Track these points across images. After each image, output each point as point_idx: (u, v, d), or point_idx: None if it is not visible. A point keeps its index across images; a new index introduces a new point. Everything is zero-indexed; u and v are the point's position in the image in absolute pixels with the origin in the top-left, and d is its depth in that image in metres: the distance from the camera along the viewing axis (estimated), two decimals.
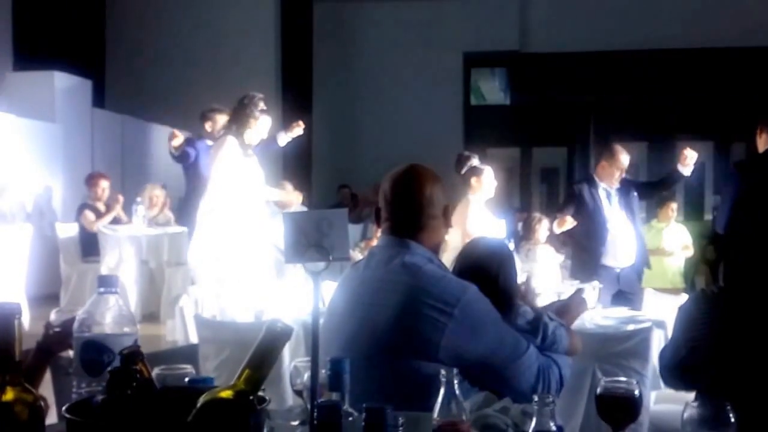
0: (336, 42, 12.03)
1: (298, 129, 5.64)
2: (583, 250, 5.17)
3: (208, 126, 6.47)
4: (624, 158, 5.05)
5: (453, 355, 1.79)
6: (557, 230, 5.20)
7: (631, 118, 11.87)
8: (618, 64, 11.92)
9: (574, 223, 5.08)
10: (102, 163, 9.74)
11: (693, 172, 5.41)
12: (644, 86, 12.40)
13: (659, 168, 12.32)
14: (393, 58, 11.81)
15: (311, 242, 1.27)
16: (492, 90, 13.80)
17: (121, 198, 7.61)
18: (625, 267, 5.02)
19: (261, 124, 4.82)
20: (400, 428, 1.19)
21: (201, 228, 4.77)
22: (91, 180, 7.71)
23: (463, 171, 5.24)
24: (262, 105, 4.83)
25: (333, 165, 11.28)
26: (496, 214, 5.70)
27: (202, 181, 5.24)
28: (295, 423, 1.46)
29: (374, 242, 5.37)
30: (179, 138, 6.38)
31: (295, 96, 11.46)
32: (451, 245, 5.07)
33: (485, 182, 5.15)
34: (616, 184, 5.08)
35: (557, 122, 12.31)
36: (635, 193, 5.16)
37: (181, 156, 6.37)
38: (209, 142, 5.92)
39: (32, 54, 9.82)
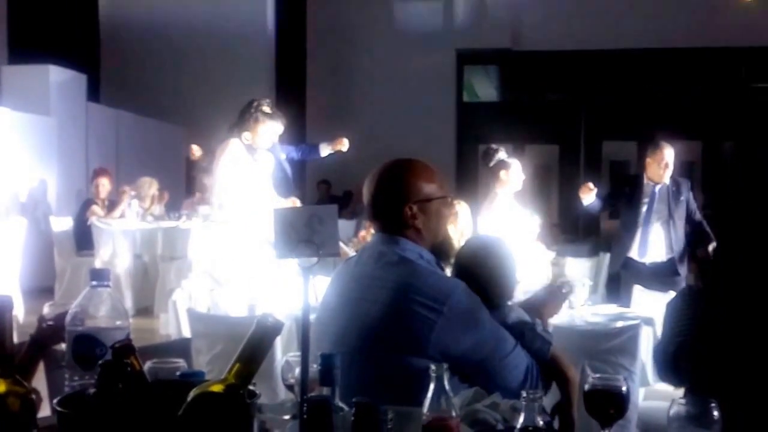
0: (330, 39, 12.01)
1: (342, 146, 5.56)
2: (616, 241, 5.26)
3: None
4: (667, 154, 5.07)
5: (442, 352, 1.79)
6: (584, 200, 5.21)
7: (621, 117, 11.90)
8: (609, 63, 11.94)
9: (593, 191, 5.13)
10: (96, 157, 9.71)
11: (684, 171, 5.44)
12: (635, 85, 12.43)
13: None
14: (386, 56, 11.80)
15: (301, 238, 1.26)
16: (485, 88, 13.80)
17: (128, 189, 7.57)
18: (657, 262, 5.07)
19: (267, 129, 4.70)
20: (390, 423, 1.19)
21: (207, 225, 4.74)
22: (94, 176, 7.70)
23: (491, 164, 5.20)
24: (267, 109, 4.73)
25: (326, 161, 11.25)
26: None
27: None
28: (286, 417, 1.46)
29: (367, 238, 5.36)
30: (197, 151, 6.34)
31: (289, 92, 11.45)
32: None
33: (513, 176, 5.13)
34: (663, 181, 5.10)
35: (549, 120, 12.32)
36: (685, 192, 5.18)
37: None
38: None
39: (27, 48, 9.77)
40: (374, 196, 1.99)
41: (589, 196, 5.15)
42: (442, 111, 11.99)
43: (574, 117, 12.36)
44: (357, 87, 11.88)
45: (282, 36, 11.67)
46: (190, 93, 11.40)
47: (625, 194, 5.27)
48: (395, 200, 1.95)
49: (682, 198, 5.15)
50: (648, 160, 5.17)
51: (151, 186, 7.82)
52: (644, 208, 5.09)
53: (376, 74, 11.84)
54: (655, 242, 5.09)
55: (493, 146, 5.34)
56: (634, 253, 5.13)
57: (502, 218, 4.99)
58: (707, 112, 11.73)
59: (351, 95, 11.86)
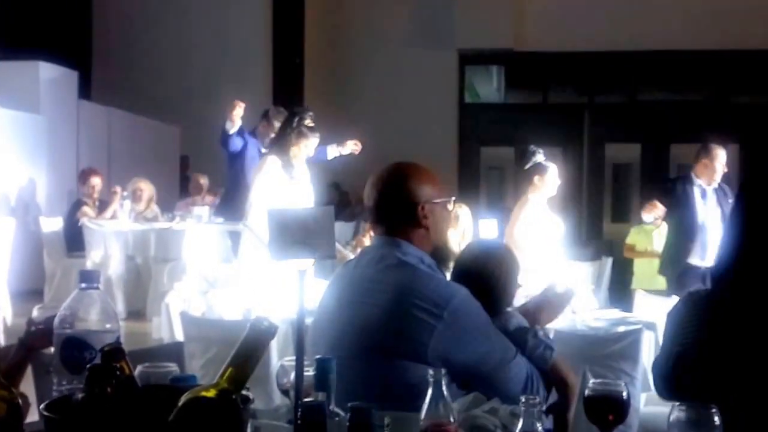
0: (328, 38, 12.01)
1: (353, 147, 5.42)
2: (671, 246, 5.20)
3: (262, 125, 6.27)
4: (723, 155, 5.06)
5: (441, 358, 1.79)
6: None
7: (625, 120, 11.90)
8: (613, 65, 11.95)
9: (663, 210, 5.12)
10: (88, 156, 9.69)
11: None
12: (639, 87, 12.43)
13: (652, 170, 12.37)
14: (387, 55, 11.80)
15: (297, 240, 1.26)
16: (486, 89, 13.81)
17: (119, 189, 7.56)
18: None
19: (309, 144, 4.53)
20: (386, 428, 1.19)
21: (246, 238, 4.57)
22: (83, 176, 7.67)
23: (526, 166, 5.07)
24: (310, 122, 4.57)
25: (324, 162, 11.26)
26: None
27: (243, 179, 5.03)
28: (281, 422, 1.46)
29: (366, 240, 5.35)
30: (240, 108, 5.97)
31: (286, 92, 11.43)
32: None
33: (549, 181, 5.00)
34: (714, 184, 5.10)
35: (551, 122, 12.33)
36: (730, 194, 5.17)
37: (227, 140, 6.13)
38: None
39: (16, 44, 9.75)
40: (381, 197, 1.99)
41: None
42: (444, 112, 11.99)
43: (577, 119, 12.37)
44: (356, 88, 11.88)
45: (280, 35, 11.67)
46: (186, 91, 11.39)
47: (676, 197, 5.19)
48: (406, 202, 1.96)
49: (730, 200, 5.15)
50: (704, 161, 5.17)
51: (146, 187, 7.81)
52: (701, 211, 5.05)
53: (376, 75, 11.84)
54: (714, 245, 5.07)
55: (532, 148, 5.20)
56: (695, 258, 5.02)
57: (533, 226, 4.93)
58: (713, 116, 11.74)
59: (350, 96, 11.85)
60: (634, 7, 11.28)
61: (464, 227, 5.24)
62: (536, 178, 4.97)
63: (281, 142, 4.51)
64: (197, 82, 11.45)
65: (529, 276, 4.80)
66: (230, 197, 5.87)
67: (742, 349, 1.62)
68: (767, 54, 11.09)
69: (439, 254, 2.03)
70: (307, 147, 4.51)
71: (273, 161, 4.43)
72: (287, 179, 4.47)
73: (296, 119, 4.53)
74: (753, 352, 1.61)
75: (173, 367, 1.58)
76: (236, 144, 6.14)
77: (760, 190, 1.74)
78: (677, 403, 1.31)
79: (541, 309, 2.15)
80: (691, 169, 5.31)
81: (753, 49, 10.97)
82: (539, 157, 5.06)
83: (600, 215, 11.98)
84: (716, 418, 1.28)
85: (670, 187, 5.24)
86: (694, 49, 11.09)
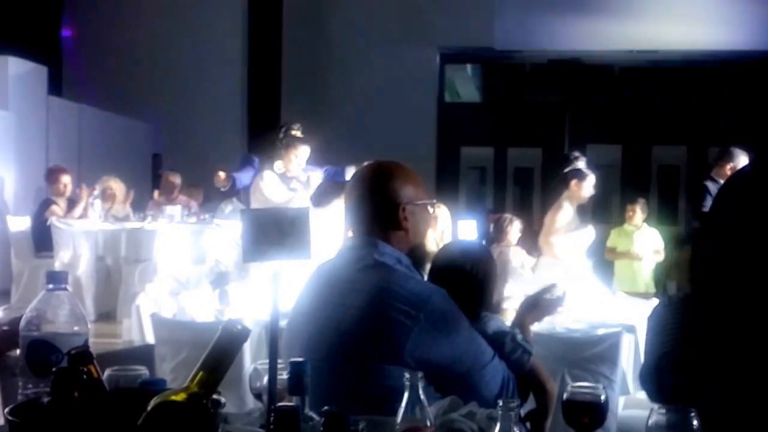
0: (307, 34, 11.98)
1: None
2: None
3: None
4: (745, 160, 5.12)
5: (418, 359, 1.79)
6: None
7: (606, 121, 12.00)
8: (594, 66, 12.04)
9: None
10: (57, 153, 9.59)
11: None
12: (620, 88, 12.53)
13: (633, 171, 12.49)
14: (366, 53, 11.80)
15: (271, 241, 1.26)
16: (467, 88, 13.86)
17: (86, 188, 7.49)
18: None
19: (300, 153, 4.59)
20: None
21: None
22: (52, 175, 7.59)
23: (566, 170, 5.11)
24: (298, 133, 4.65)
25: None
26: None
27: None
28: (254, 427, 1.45)
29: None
30: (222, 176, 6.10)
31: (263, 90, 11.38)
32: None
33: (585, 188, 5.04)
34: None
35: (532, 122, 12.40)
36: None
37: (231, 188, 6.07)
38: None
39: None
40: (358, 198, 1.99)
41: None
42: (423, 111, 12.01)
43: (558, 119, 12.45)
44: (335, 86, 11.86)
45: (257, 33, 11.61)
46: (159, 88, 11.31)
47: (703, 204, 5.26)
48: (386, 203, 1.96)
49: None
50: (732, 165, 5.27)
51: (116, 186, 7.75)
52: None
53: (356, 73, 11.83)
54: None
55: (575, 153, 5.26)
56: None
57: (567, 231, 4.96)
58: (693, 117, 11.88)
59: (329, 95, 11.84)
60: (616, 8, 11.37)
61: (443, 228, 5.25)
62: (573, 183, 5.03)
63: (272, 156, 4.55)
64: (171, 79, 11.38)
65: (563, 281, 4.87)
66: None
67: (721, 350, 1.64)
68: (747, 57, 11.25)
69: (416, 255, 2.03)
70: (297, 157, 4.56)
71: (267, 176, 4.46)
72: (285, 191, 4.50)
73: (283, 130, 4.60)
74: (731, 353, 1.63)
75: (143, 370, 1.57)
76: (243, 180, 6.04)
77: (740, 191, 1.75)
78: (656, 406, 1.32)
79: (531, 308, 2.16)
80: (709, 171, 5.40)
81: (733, 50, 11.11)
82: (580, 163, 5.13)
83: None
84: (695, 421, 1.29)
85: (703, 189, 5.32)
86: (676, 50, 11.21)
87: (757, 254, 1.67)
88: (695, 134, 11.98)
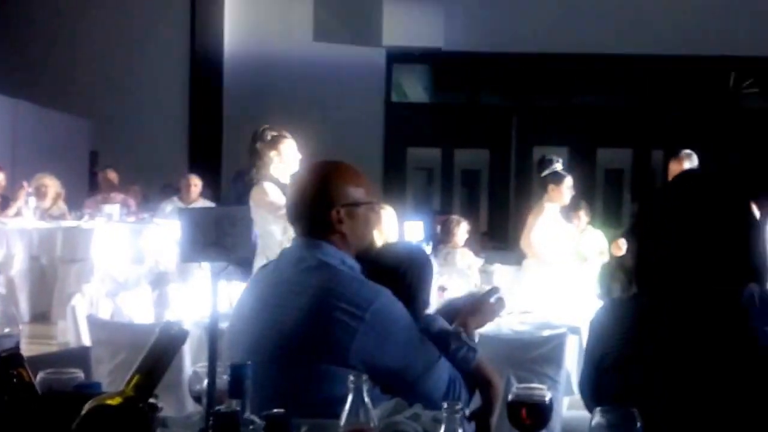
0: (250, 32, 11.87)
1: None
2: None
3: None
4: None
5: (363, 361, 1.79)
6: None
7: (553, 123, 12.18)
8: (542, 68, 12.20)
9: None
10: None
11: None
12: (567, 91, 12.74)
13: (579, 173, 12.71)
14: (311, 51, 11.75)
15: (210, 241, 1.24)
16: (414, 88, 13.91)
17: (26, 185, 7.30)
18: None
19: (286, 149, 4.36)
20: None
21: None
22: None
23: (543, 174, 5.21)
24: (274, 132, 4.40)
25: (245, 160, 11.14)
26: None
27: None
28: (193, 431, 1.43)
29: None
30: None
31: (205, 88, 11.25)
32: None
33: (564, 191, 5.15)
34: None
35: (479, 124, 12.51)
36: None
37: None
38: None
39: None
40: (299, 198, 1.98)
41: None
42: (370, 111, 12.01)
43: (505, 121, 12.59)
44: (279, 83, 11.77)
45: (198, 30, 11.45)
46: (97, 84, 11.09)
47: None
48: (321, 203, 1.95)
49: None
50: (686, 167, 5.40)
51: (51, 183, 7.58)
52: None
53: (300, 70, 11.77)
54: None
55: (549, 156, 5.34)
56: None
57: (549, 233, 5.05)
58: (638, 120, 12.14)
59: (273, 92, 11.74)
60: (564, 10, 11.56)
61: (389, 229, 5.26)
62: (551, 187, 5.14)
63: (259, 164, 4.32)
64: (110, 74, 11.16)
65: (546, 281, 4.94)
66: None
67: (663, 352, 1.68)
68: (692, 60, 11.55)
69: (366, 257, 2.02)
70: (286, 153, 4.34)
71: (268, 187, 4.18)
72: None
73: (257, 134, 4.40)
74: (673, 355, 1.67)
75: (78, 373, 1.55)
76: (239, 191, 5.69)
77: (684, 192, 1.80)
78: (599, 407, 1.34)
79: (473, 311, 2.16)
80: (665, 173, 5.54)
81: (683, 55, 11.40)
82: (557, 165, 5.21)
83: (527, 219, 12.24)
84: (637, 422, 1.31)
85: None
86: (624, 54, 11.44)
87: (701, 253, 1.71)
88: (640, 137, 12.27)
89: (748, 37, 11.09)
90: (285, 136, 4.41)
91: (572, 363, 3.42)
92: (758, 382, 1.61)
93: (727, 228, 1.72)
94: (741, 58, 11.39)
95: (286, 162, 4.29)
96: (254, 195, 4.23)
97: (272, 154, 4.27)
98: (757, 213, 1.89)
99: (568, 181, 5.20)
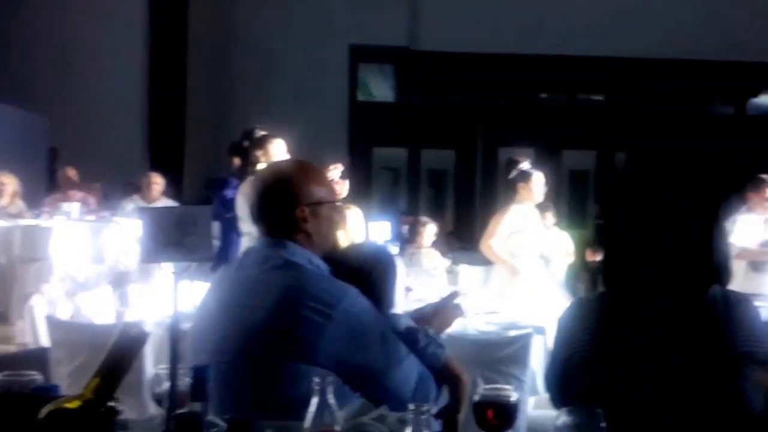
0: (213, 29, 11.77)
1: (335, 172, 4.97)
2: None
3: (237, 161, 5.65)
4: None
5: (332, 359, 1.79)
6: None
7: (518, 124, 12.27)
8: (508, 69, 12.29)
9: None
10: None
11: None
12: (533, 92, 12.85)
13: (544, 174, 12.81)
14: (274, 49, 11.69)
15: (171, 241, 1.22)
16: (380, 87, 13.92)
17: None
18: None
19: (274, 147, 4.38)
20: None
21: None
22: None
23: (510, 176, 5.17)
24: (262, 131, 4.41)
25: (207, 158, 11.05)
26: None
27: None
28: None
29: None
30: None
31: (166, 85, 11.12)
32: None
33: (534, 188, 5.10)
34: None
35: (445, 124, 12.56)
36: None
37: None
38: None
39: None
40: (261, 198, 1.98)
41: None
42: (335, 110, 11.99)
43: (472, 121, 12.65)
44: (241, 82, 11.70)
45: (159, 24, 11.31)
46: (56, 79, 10.90)
47: None
48: (285, 203, 1.95)
49: None
50: (750, 194, 5.52)
51: (8, 181, 7.45)
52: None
53: (263, 68, 11.70)
54: None
55: (514, 157, 5.32)
56: None
57: (516, 233, 5.03)
58: (603, 123, 12.29)
59: (235, 91, 11.67)
60: (531, 10, 11.65)
61: (355, 229, 5.26)
62: (520, 186, 5.10)
63: (250, 164, 4.31)
64: (69, 69, 10.98)
65: (516, 282, 4.94)
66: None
67: (628, 352, 1.69)
68: (657, 63, 11.73)
69: (332, 257, 2.02)
70: (275, 151, 4.33)
71: None
72: None
73: (247, 134, 4.41)
74: (638, 355, 1.68)
75: (36, 376, 1.52)
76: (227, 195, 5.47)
77: (648, 193, 1.82)
78: (564, 408, 1.35)
79: (436, 315, 2.19)
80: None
81: (648, 58, 11.57)
82: (524, 165, 5.20)
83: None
84: (602, 422, 1.33)
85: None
86: (589, 56, 11.57)
87: (665, 254, 1.73)
88: (604, 139, 12.42)
89: (713, 42, 11.30)
90: (274, 136, 4.44)
91: (538, 363, 3.45)
92: (722, 381, 1.64)
93: (690, 228, 1.75)
94: (706, 62, 11.58)
95: (278, 157, 4.32)
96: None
97: (259, 153, 4.30)
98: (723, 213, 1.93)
99: (537, 177, 5.17)
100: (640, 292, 1.73)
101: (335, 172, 4.24)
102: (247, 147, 4.39)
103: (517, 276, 4.98)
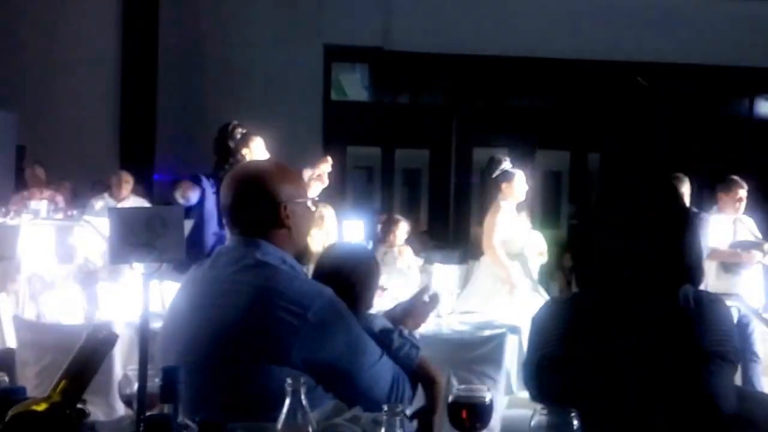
0: (185, 27, 11.68)
1: (326, 166, 4.83)
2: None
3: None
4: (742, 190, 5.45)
5: (306, 359, 1.79)
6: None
7: (493, 124, 12.33)
8: (482, 69, 12.35)
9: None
10: None
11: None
12: (507, 92, 12.92)
13: None
14: (247, 48, 11.62)
15: (141, 241, 1.21)
16: (354, 86, 13.91)
17: None
18: None
19: (256, 146, 4.33)
20: None
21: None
22: None
23: (493, 175, 5.30)
24: (240, 130, 4.37)
25: (180, 158, 10.95)
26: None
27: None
28: None
29: None
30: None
31: (137, 84, 11.01)
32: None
33: (516, 187, 5.24)
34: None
35: (420, 123, 12.59)
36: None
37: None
38: None
39: None
40: (239, 198, 1.97)
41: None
42: (308, 109, 11.95)
43: (446, 121, 12.69)
44: (214, 81, 11.60)
45: (130, 23, 11.18)
46: (23, 76, 10.75)
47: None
48: (266, 202, 1.94)
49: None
50: (721, 194, 5.54)
51: None
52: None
53: (235, 66, 11.63)
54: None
55: (497, 156, 5.43)
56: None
57: (506, 230, 5.10)
58: (575, 123, 12.39)
59: (207, 89, 11.57)
60: (505, 12, 11.71)
61: (329, 228, 5.25)
62: (504, 185, 5.22)
63: (232, 161, 4.22)
64: (37, 66, 10.83)
65: (511, 280, 4.96)
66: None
67: (602, 352, 1.70)
68: (630, 66, 11.86)
69: (301, 255, 2.02)
70: (258, 149, 4.29)
71: None
72: None
73: (228, 129, 4.35)
74: (611, 355, 1.70)
75: (2, 377, 1.51)
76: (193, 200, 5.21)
77: (621, 194, 1.83)
78: (538, 407, 1.36)
79: (408, 314, 2.20)
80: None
81: (620, 60, 11.68)
82: (506, 164, 5.31)
83: (467, 219, 12.35)
84: (576, 422, 1.33)
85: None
86: (564, 58, 11.65)
87: (637, 254, 1.75)
88: (578, 140, 12.52)
89: (681, 45, 11.44)
90: (254, 134, 4.42)
91: (512, 362, 3.46)
92: (694, 380, 1.65)
93: (662, 229, 1.76)
94: (679, 64, 11.72)
95: (259, 155, 4.30)
96: None
97: (244, 151, 4.28)
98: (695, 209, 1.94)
99: (520, 176, 5.30)
100: (613, 292, 1.75)
101: (326, 165, 4.19)
102: (231, 146, 4.34)
103: (513, 289, 4.99)
